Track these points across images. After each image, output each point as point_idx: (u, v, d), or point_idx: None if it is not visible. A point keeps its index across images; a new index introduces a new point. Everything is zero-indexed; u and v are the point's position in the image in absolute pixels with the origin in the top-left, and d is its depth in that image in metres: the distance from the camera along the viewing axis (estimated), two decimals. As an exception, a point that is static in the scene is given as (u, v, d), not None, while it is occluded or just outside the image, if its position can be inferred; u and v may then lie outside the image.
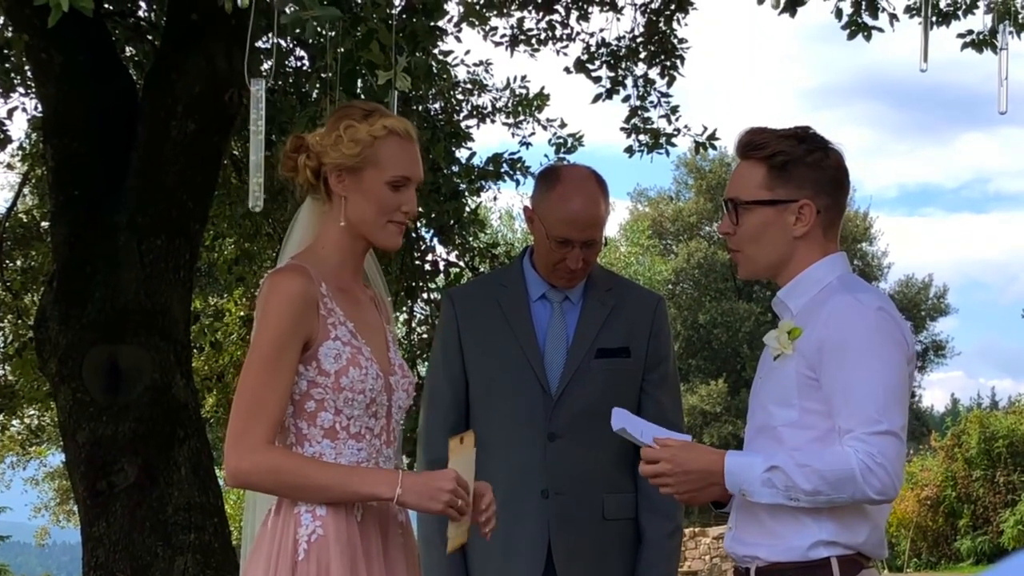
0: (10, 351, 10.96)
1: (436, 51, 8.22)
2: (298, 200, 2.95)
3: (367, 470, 2.75)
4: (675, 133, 8.73)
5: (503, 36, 8.92)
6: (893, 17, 7.58)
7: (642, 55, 8.64)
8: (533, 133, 9.34)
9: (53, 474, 23.32)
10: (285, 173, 2.89)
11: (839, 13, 7.63)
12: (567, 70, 8.68)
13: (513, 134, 9.41)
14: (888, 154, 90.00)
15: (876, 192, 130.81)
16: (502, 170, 8.55)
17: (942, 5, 7.60)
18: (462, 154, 8.68)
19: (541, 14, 8.82)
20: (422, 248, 8.61)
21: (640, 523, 3.56)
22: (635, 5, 8.65)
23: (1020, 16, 6.82)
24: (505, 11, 8.75)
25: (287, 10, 3.59)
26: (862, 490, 2.65)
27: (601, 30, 8.75)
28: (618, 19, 8.63)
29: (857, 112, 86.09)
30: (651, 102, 8.73)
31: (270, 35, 6.27)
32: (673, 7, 8.50)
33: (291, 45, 8.00)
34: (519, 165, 8.58)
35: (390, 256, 7.63)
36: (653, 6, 8.59)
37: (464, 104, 9.49)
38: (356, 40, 4.98)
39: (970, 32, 7.37)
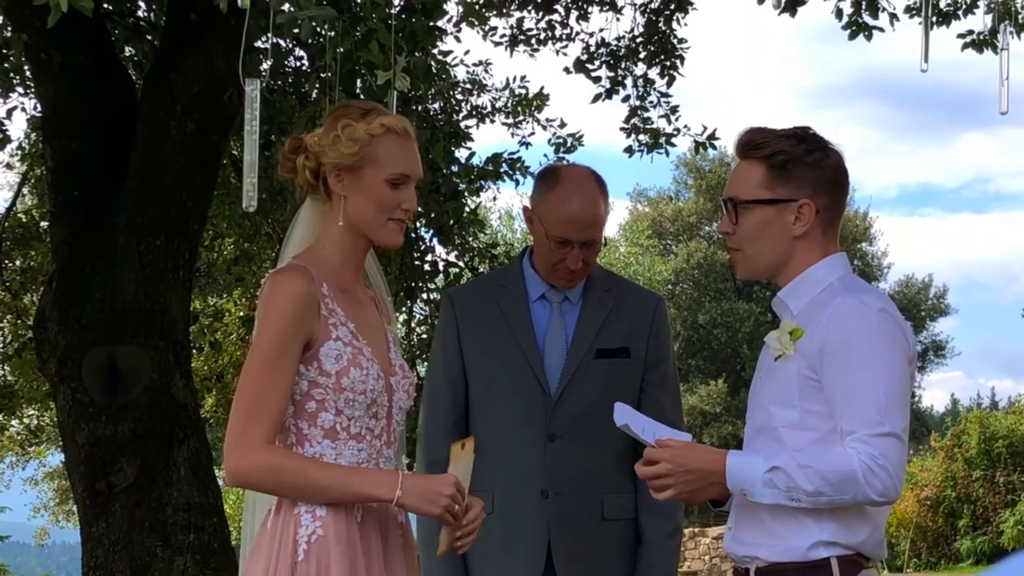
0: (9, 351, 10.95)
1: (435, 51, 8.22)
2: (298, 201, 2.95)
3: (367, 471, 2.75)
4: (675, 133, 8.73)
5: (503, 36, 8.92)
6: (893, 17, 7.59)
7: (642, 55, 8.64)
8: (533, 133, 9.35)
9: (52, 474, 23.31)
10: (284, 174, 2.89)
11: (839, 13, 7.63)
12: (567, 70, 8.68)
13: (513, 134, 9.41)
14: (888, 154, 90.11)
15: (876, 192, 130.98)
16: (501, 170, 8.55)
17: (942, 5, 7.60)
18: (461, 154, 8.68)
19: (541, 14, 8.81)
20: (422, 248, 8.61)
21: (640, 523, 3.56)
22: (635, 5, 8.65)
23: (1020, 16, 6.81)
24: (505, 11, 8.75)
25: (284, 9, 3.59)
26: (864, 491, 2.65)
27: (601, 30, 8.76)
28: (618, 19, 8.64)
29: (857, 112, 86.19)
30: (651, 102, 8.73)
31: (269, 35, 6.27)
32: (673, 7, 8.50)
33: (290, 45, 7.99)
34: (519, 165, 8.57)
35: (389, 256, 7.62)
36: (653, 6, 8.59)
37: (463, 104, 9.49)
38: (355, 40, 4.97)
39: (970, 32, 7.37)
